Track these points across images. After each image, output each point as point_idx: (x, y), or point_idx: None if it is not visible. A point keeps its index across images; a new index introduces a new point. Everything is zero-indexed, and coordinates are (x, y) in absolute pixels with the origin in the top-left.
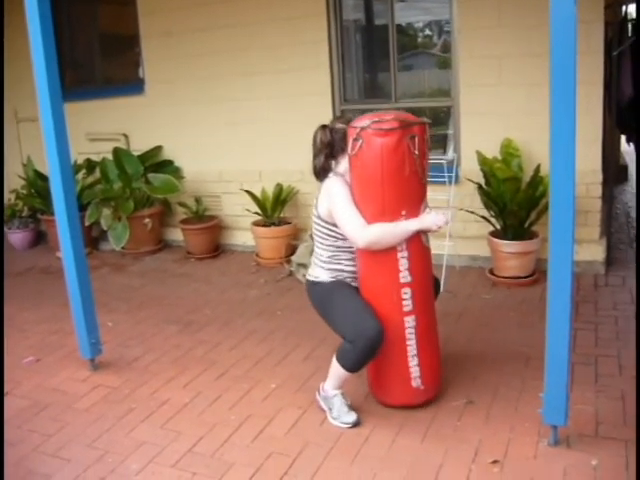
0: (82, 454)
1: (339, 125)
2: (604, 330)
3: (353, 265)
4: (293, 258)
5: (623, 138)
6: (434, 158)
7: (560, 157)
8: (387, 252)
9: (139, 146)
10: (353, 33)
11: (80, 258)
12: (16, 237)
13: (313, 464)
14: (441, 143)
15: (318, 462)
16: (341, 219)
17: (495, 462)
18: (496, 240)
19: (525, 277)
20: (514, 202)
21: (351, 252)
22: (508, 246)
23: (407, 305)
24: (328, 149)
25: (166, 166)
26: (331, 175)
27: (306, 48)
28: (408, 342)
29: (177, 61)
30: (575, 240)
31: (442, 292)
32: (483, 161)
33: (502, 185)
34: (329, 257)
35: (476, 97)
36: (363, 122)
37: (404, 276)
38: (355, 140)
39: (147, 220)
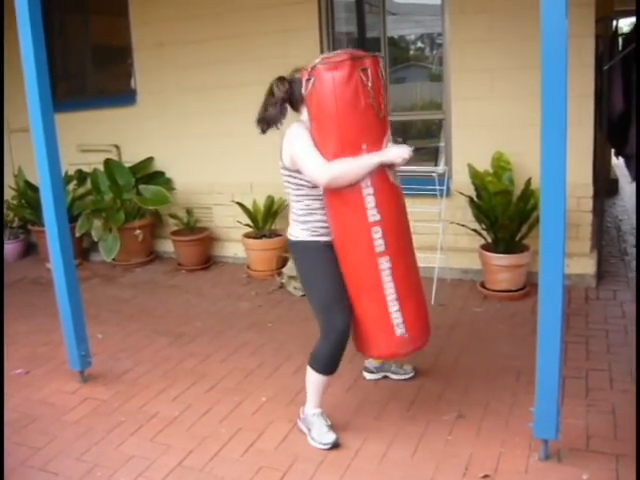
0: (70, 468)
1: (297, 75)
2: (595, 344)
3: (325, 214)
4: (284, 270)
5: (613, 152)
6: (425, 171)
7: (551, 170)
8: (352, 190)
9: (130, 157)
10: (345, 46)
11: (70, 269)
12: (6, 248)
13: (303, 478)
14: (432, 155)
15: (308, 476)
16: (302, 161)
17: (486, 477)
18: (487, 253)
19: (516, 290)
20: (505, 215)
21: (322, 199)
22: (499, 259)
23: (379, 245)
24: (287, 99)
25: (157, 177)
26: (294, 123)
27: (298, 60)
28: (385, 286)
29: (169, 72)
30: (566, 253)
31: (435, 305)
32: (474, 174)
33: (493, 198)
34: (303, 210)
35: (468, 110)
36: (314, 61)
37: (372, 214)
38: (307, 80)
39: (138, 231)
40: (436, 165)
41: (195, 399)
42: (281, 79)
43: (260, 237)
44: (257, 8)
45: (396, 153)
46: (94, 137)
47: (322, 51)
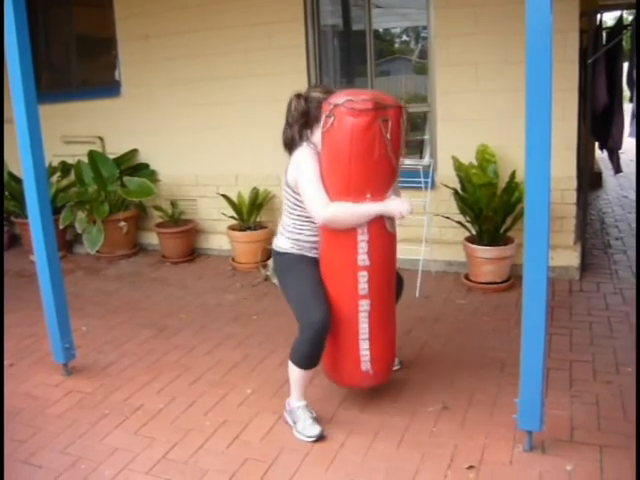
0: (55, 461)
1: (314, 94)
2: (579, 335)
3: (315, 236)
4: (269, 262)
5: (597, 145)
6: (410, 164)
7: (535, 163)
8: (348, 233)
9: (115, 149)
10: (331, 38)
11: (54, 262)
12: None
13: (288, 470)
14: (417, 148)
15: (294, 468)
16: (305, 192)
17: (471, 468)
18: (472, 246)
19: (500, 282)
20: (490, 208)
21: (315, 224)
22: (484, 252)
23: (363, 289)
24: (303, 119)
25: (142, 169)
26: (304, 144)
27: (283, 53)
28: (360, 325)
29: (154, 64)
30: (550, 246)
31: (419, 297)
32: (459, 167)
33: (478, 191)
34: (293, 226)
35: (453, 103)
36: (338, 99)
37: (362, 259)
38: (328, 117)
39: (122, 223)
40: (421, 158)
41: (180, 392)
42: (298, 97)
43: (245, 229)
44: (244, 0)
45: (396, 207)
46: (78, 129)
47: (307, 42)
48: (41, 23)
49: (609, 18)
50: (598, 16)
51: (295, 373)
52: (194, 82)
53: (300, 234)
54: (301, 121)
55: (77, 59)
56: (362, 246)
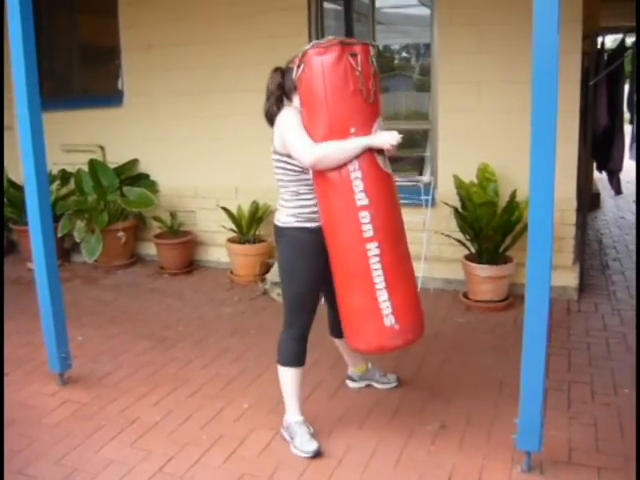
0: (49, 472)
1: (291, 65)
2: (577, 356)
3: (313, 198)
4: (268, 276)
5: (595, 166)
6: (410, 180)
7: (540, 184)
8: (339, 173)
9: (115, 158)
10: None
11: (53, 270)
12: None
13: None
14: (417, 165)
15: None
16: (290, 142)
17: None
18: (471, 264)
19: (499, 301)
20: (490, 226)
21: (311, 185)
22: (483, 270)
23: (367, 230)
24: (279, 91)
25: (142, 180)
26: (286, 108)
27: None
28: (374, 273)
29: (156, 74)
30: None
31: None
32: (460, 185)
33: (478, 209)
34: (290, 195)
35: (454, 121)
36: (305, 47)
37: (360, 198)
38: (298, 67)
39: (121, 233)
40: (420, 175)
41: (176, 405)
42: (275, 70)
43: (244, 242)
44: (248, 13)
45: (384, 138)
46: (79, 137)
47: None
48: (45, 30)
49: (610, 40)
50: (599, 39)
51: (287, 376)
52: (196, 94)
53: (300, 199)
54: (277, 93)
55: (80, 67)
56: (357, 184)
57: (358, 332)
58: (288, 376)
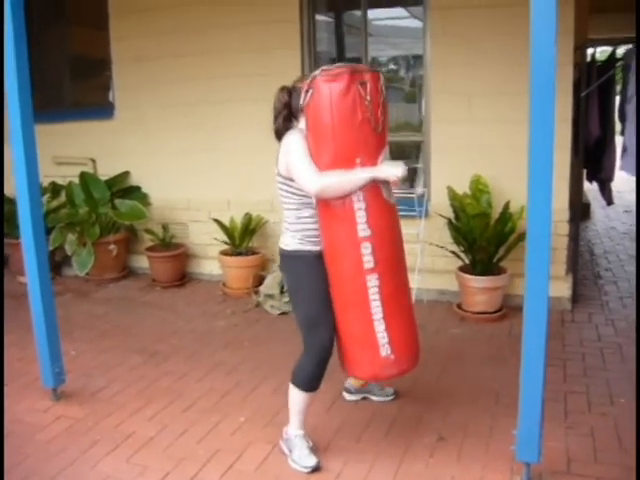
0: None
1: (298, 84)
2: (572, 367)
3: (317, 222)
4: (261, 289)
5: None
6: (403, 192)
7: (538, 195)
8: (343, 203)
9: (106, 171)
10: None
11: (45, 284)
12: None
13: None
14: (409, 177)
15: None
16: (295, 168)
17: None
18: (465, 275)
19: (493, 312)
20: (483, 238)
21: (314, 208)
22: (477, 281)
23: (368, 262)
24: (286, 110)
25: (133, 192)
26: (290, 130)
27: (280, 78)
28: (372, 304)
29: (148, 87)
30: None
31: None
32: (453, 196)
33: (472, 221)
34: (294, 218)
35: (447, 132)
36: (314, 72)
37: (363, 229)
38: (306, 92)
39: (112, 246)
40: (413, 187)
41: (171, 419)
42: (282, 89)
43: (237, 255)
44: (240, 24)
45: (390, 171)
46: (70, 149)
47: (304, 69)
48: (36, 41)
49: (599, 52)
50: (590, 50)
51: (297, 397)
52: (188, 106)
53: (303, 223)
54: (284, 112)
55: (71, 79)
56: (360, 215)
57: (354, 360)
58: (299, 397)
